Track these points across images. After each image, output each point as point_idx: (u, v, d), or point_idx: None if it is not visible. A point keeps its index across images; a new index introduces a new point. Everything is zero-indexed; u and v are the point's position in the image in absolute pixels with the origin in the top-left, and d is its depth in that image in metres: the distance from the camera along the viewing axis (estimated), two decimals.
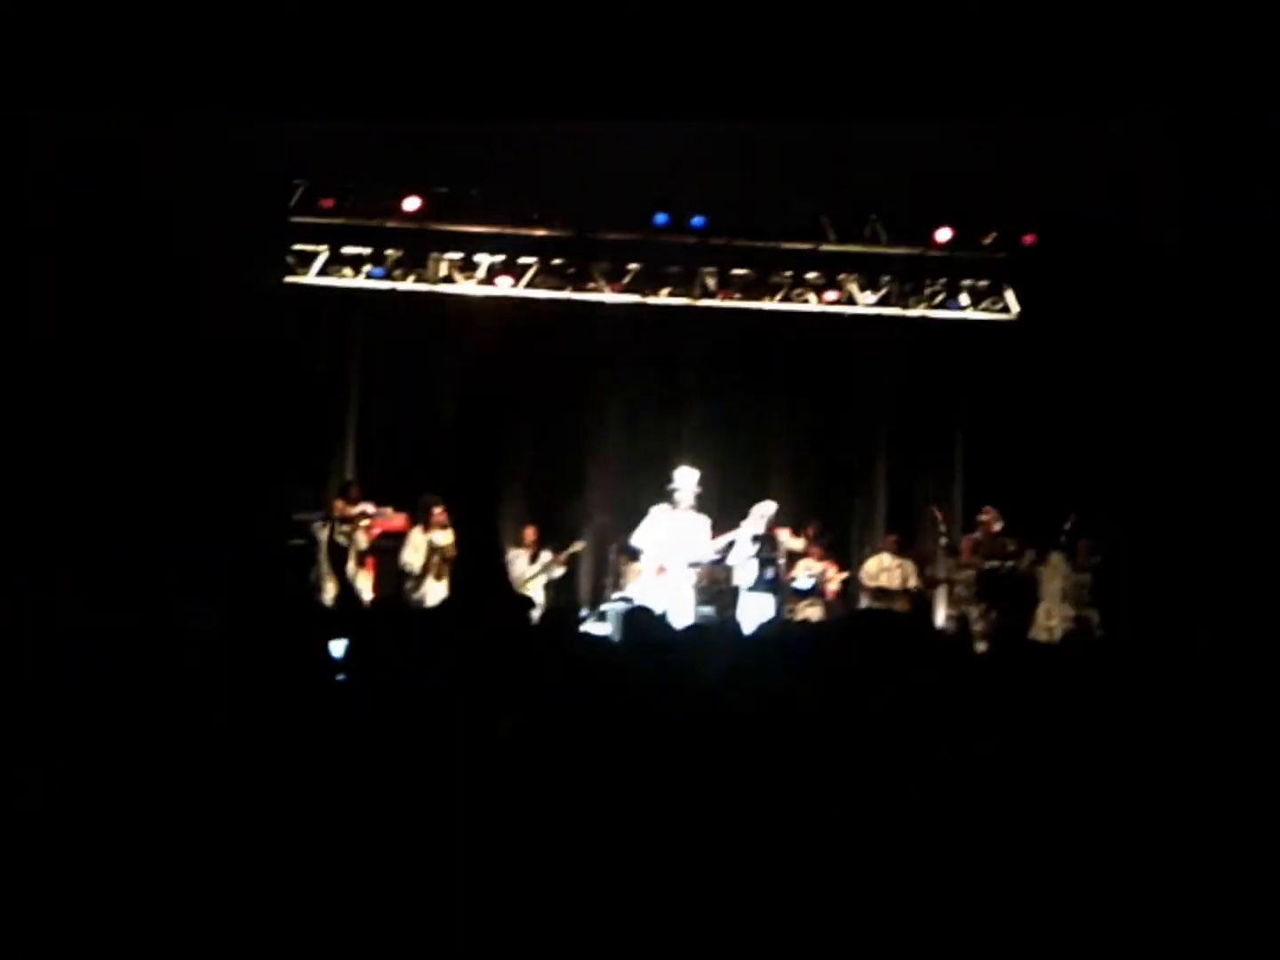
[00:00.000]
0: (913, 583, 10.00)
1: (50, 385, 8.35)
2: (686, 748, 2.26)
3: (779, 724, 2.38)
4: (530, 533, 9.97)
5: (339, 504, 9.45)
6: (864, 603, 10.21)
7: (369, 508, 9.44)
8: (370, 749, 2.27)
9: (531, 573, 9.81)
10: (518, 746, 2.40)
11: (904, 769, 2.19)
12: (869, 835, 2.03)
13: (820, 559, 9.66)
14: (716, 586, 8.67)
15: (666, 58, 8.28)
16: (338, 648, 3.15)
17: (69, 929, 1.83)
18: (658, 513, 8.10)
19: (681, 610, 7.77)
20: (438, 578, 9.51)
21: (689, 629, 4.44)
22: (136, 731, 2.32)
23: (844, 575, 10.00)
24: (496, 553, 10.06)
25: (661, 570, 7.83)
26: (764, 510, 8.14)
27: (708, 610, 8.48)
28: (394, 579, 9.69)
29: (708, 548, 8.12)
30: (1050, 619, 9.29)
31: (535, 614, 5.85)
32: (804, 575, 8.97)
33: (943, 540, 10.12)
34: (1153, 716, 2.67)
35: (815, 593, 9.43)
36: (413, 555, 9.56)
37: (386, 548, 9.67)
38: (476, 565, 9.65)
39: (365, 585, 9.44)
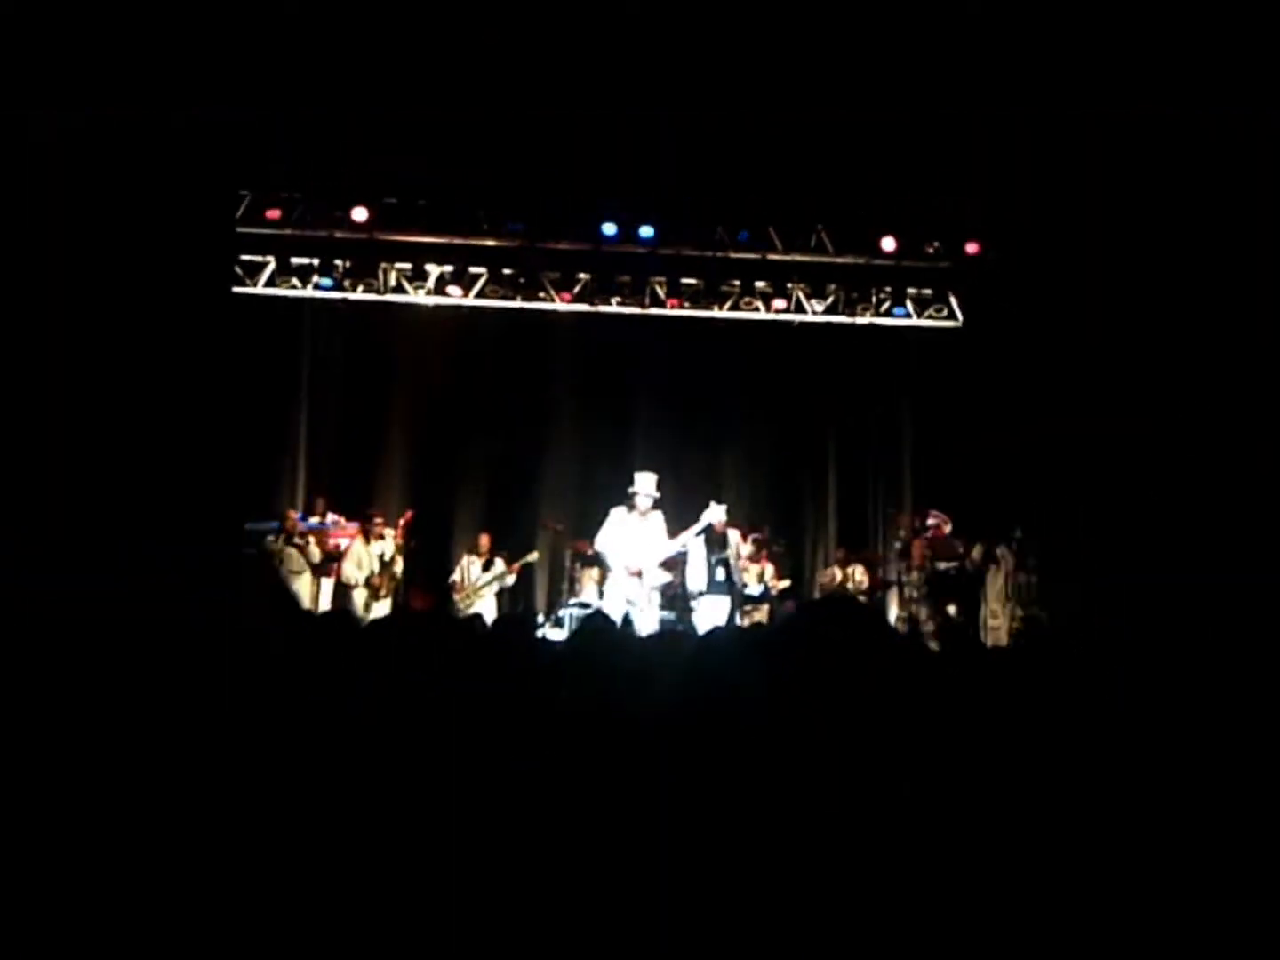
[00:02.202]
0: (864, 585, 10.12)
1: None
2: (640, 753, 2.29)
3: (734, 728, 2.42)
4: (484, 540, 9.98)
5: (291, 516, 9.41)
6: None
7: (339, 518, 9.44)
8: (331, 765, 2.29)
9: (484, 580, 9.82)
10: (470, 758, 2.42)
11: (866, 769, 2.22)
12: (834, 837, 2.05)
13: (762, 562, 9.76)
14: (672, 590, 8.72)
15: (620, 63, 8.39)
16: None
17: (66, 928, 1.85)
18: (616, 515, 8.15)
19: (643, 614, 7.83)
20: (377, 595, 9.47)
21: (643, 635, 4.48)
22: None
23: (784, 584, 10.10)
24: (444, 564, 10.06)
25: (636, 574, 7.87)
26: (714, 514, 8.21)
27: (668, 615, 8.54)
28: (343, 590, 9.69)
29: (666, 547, 8.18)
30: (996, 619, 9.44)
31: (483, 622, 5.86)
32: (753, 580, 9.05)
33: (896, 544, 10.27)
34: (1101, 712, 2.72)
35: (764, 598, 9.52)
36: (354, 569, 9.54)
37: (341, 558, 9.67)
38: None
39: (325, 596, 9.42)
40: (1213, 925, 1.93)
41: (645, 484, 8.07)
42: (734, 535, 8.76)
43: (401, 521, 9.67)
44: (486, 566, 9.88)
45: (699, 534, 8.17)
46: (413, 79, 8.58)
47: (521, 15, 8.15)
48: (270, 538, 9.32)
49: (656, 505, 8.18)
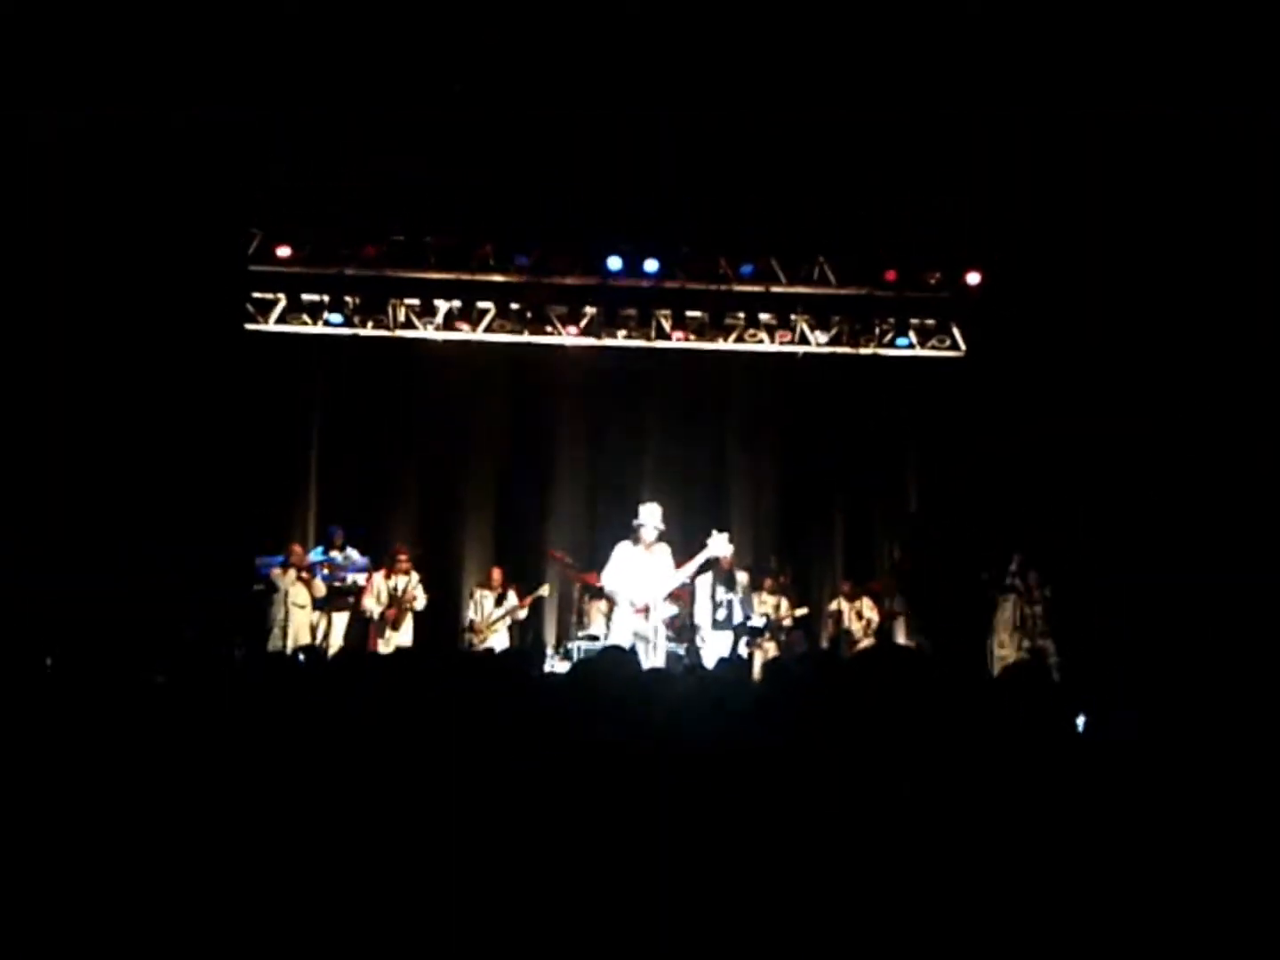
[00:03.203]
0: (873, 618, 10.15)
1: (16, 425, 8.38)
2: (644, 786, 2.33)
3: (736, 763, 2.46)
4: (496, 574, 10.04)
5: (297, 550, 9.49)
6: (825, 639, 10.37)
7: (353, 553, 9.52)
8: (335, 793, 2.35)
9: (498, 615, 9.87)
10: (480, 788, 2.47)
11: (867, 805, 2.24)
12: (834, 866, 2.08)
13: (774, 594, 9.80)
14: (679, 622, 8.75)
15: (624, 97, 8.53)
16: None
17: (62, 927, 1.90)
18: (621, 550, 8.18)
19: (651, 648, 7.86)
20: (395, 627, 9.55)
21: (648, 669, 4.51)
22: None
23: (800, 612, 10.14)
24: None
25: (642, 610, 7.89)
26: (718, 543, 8.25)
27: (676, 648, 8.57)
28: (359, 625, 9.75)
29: (672, 580, 8.21)
30: (1004, 648, 9.45)
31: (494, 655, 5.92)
32: (757, 614, 9.09)
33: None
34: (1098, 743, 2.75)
35: (769, 630, 9.55)
36: (373, 602, 9.61)
37: (349, 592, 9.73)
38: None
39: (337, 631, 9.48)
40: (1215, 925, 1.98)
41: (650, 516, 8.10)
42: (742, 576, 8.79)
43: (404, 555, 9.73)
44: (499, 600, 9.94)
45: (704, 566, 8.20)
46: (421, 116, 8.74)
47: (526, 52, 8.31)
48: (276, 570, 9.39)
49: (662, 537, 8.21)
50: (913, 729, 2.47)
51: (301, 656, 5.13)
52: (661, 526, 8.11)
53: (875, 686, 2.54)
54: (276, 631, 9.11)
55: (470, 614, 9.92)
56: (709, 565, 8.23)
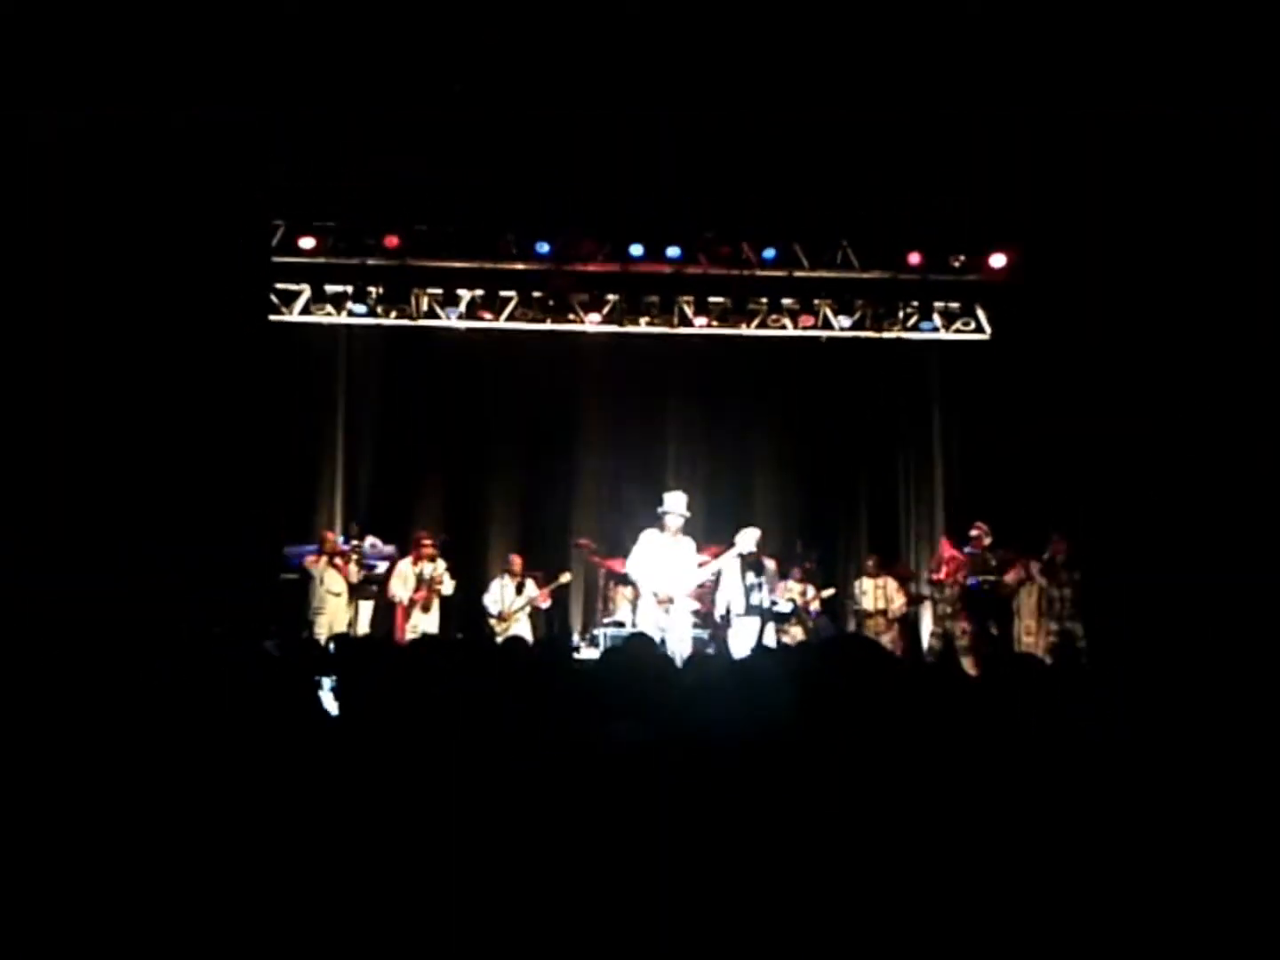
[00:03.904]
0: (896, 603, 10.12)
1: (39, 416, 8.44)
2: (674, 773, 2.34)
3: (762, 749, 2.47)
4: (516, 561, 10.08)
5: (329, 537, 9.56)
6: (851, 623, 10.36)
7: (376, 541, 9.59)
8: (359, 783, 2.37)
9: (519, 603, 9.91)
10: (508, 776, 2.48)
11: (887, 793, 2.24)
12: (857, 859, 2.08)
13: (800, 580, 9.78)
14: (704, 611, 8.77)
15: (646, 84, 8.51)
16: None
17: (63, 920, 1.93)
18: (647, 538, 8.20)
19: (679, 635, 7.89)
20: (425, 609, 9.63)
21: (675, 656, 4.52)
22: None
23: (826, 594, 10.13)
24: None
25: (665, 601, 7.92)
26: (747, 538, 8.25)
27: (702, 635, 8.58)
28: (384, 611, 9.83)
29: (697, 575, 8.22)
30: (1030, 634, 9.41)
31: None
32: (784, 599, 9.09)
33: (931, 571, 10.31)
34: (1147, 732, 2.74)
35: (796, 615, 9.55)
36: (400, 587, 9.68)
37: (380, 579, 9.81)
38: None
39: (364, 617, 9.57)
40: (1217, 924, 1.97)
41: (675, 503, 8.11)
42: (769, 562, 8.78)
43: (436, 543, 9.81)
44: (520, 588, 9.98)
45: (739, 561, 8.22)
46: (442, 107, 8.74)
47: (547, 41, 8.29)
48: (310, 559, 9.46)
49: (687, 525, 8.22)
50: (898, 721, 2.47)
51: (333, 645, 5.18)
52: (687, 514, 8.12)
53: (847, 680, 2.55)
54: (318, 620, 9.20)
55: (492, 602, 9.96)
56: (745, 564, 8.24)
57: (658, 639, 7.37)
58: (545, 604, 10.04)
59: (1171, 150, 8.62)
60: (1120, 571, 9.26)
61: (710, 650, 8.20)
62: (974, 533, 9.79)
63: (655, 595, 7.93)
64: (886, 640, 9.53)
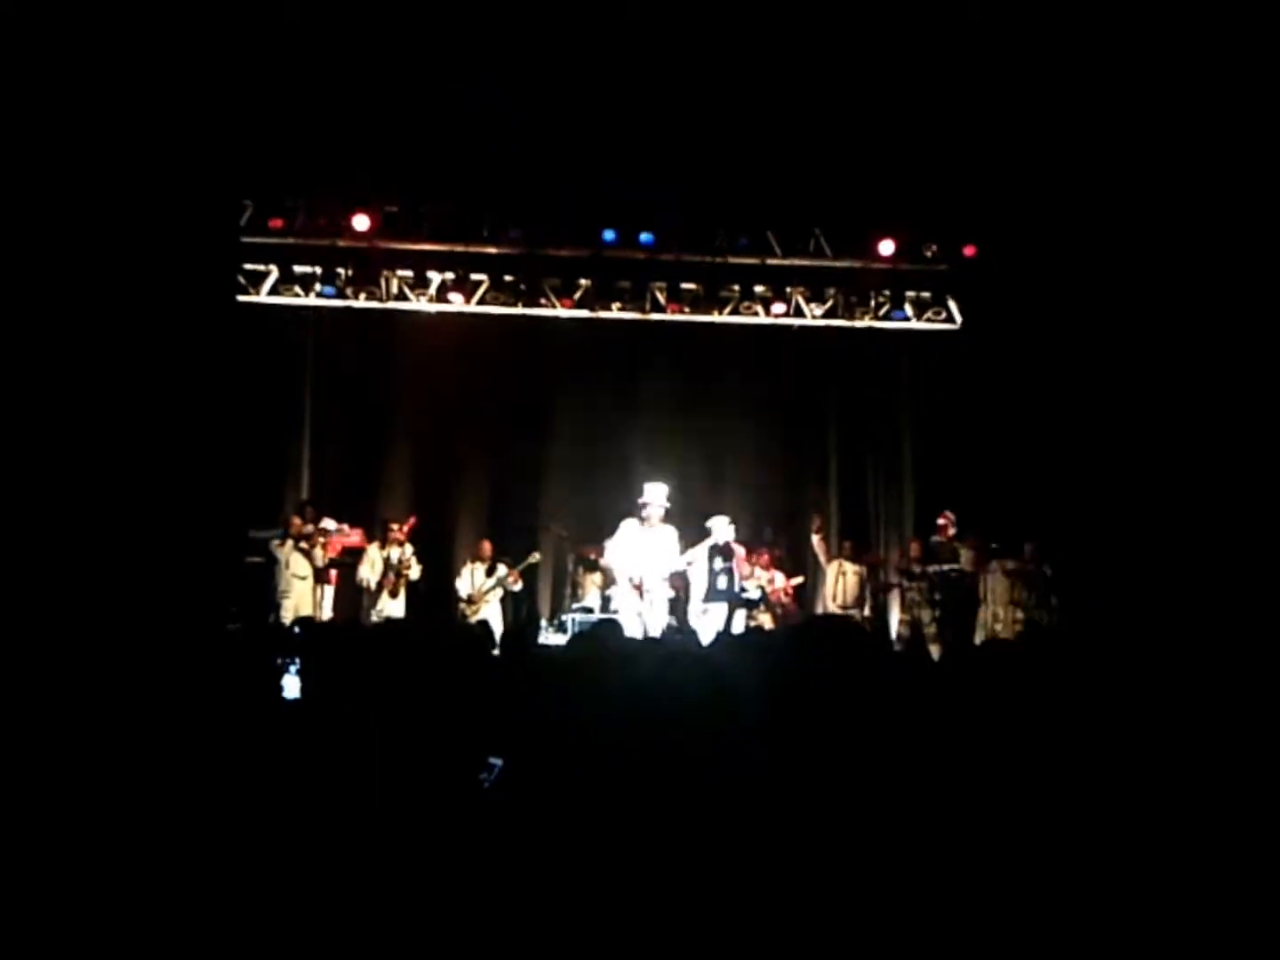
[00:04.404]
0: (851, 595, 10.14)
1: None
2: (641, 757, 2.33)
3: (730, 735, 2.45)
4: (486, 546, 10.03)
5: (296, 521, 9.48)
6: (820, 610, 10.39)
7: (330, 524, 9.49)
8: (322, 767, 2.34)
9: (488, 586, 9.87)
10: (473, 763, 2.45)
11: (858, 777, 2.23)
12: (828, 844, 2.07)
13: (768, 568, 9.80)
14: (674, 596, 8.78)
15: (618, 70, 8.45)
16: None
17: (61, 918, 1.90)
18: (626, 527, 8.20)
19: (653, 622, 7.90)
20: (393, 594, 9.58)
21: (644, 640, 4.51)
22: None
23: (795, 581, 10.15)
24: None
25: (639, 588, 7.93)
26: (719, 524, 8.27)
27: (670, 620, 8.60)
28: (352, 595, 9.76)
29: (678, 560, 8.24)
30: (999, 621, 9.48)
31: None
32: (752, 585, 9.10)
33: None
34: (1111, 713, 2.75)
35: (764, 602, 9.56)
36: (369, 571, 9.63)
37: (346, 564, 9.74)
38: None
39: (327, 601, 9.50)
40: (1208, 921, 1.97)
41: (656, 495, 8.12)
42: (738, 548, 8.80)
43: (405, 527, 9.75)
44: (489, 572, 9.94)
45: (710, 549, 8.24)
46: (413, 85, 8.66)
47: (520, 24, 8.22)
48: (275, 542, 9.38)
49: (667, 516, 8.23)
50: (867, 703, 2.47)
51: (297, 629, 5.12)
52: (667, 505, 8.12)
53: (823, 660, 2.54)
54: (284, 603, 9.14)
55: (463, 586, 9.93)
56: (713, 551, 8.26)
57: (634, 625, 7.38)
58: (517, 585, 10.01)
59: (1144, 144, 8.67)
60: (1089, 562, 9.35)
61: (679, 636, 8.21)
62: (940, 521, 9.84)
63: (631, 580, 7.94)
64: None
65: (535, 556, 10.12)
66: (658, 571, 7.99)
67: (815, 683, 2.56)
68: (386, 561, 9.59)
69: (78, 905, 1.93)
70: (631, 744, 2.39)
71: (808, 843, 2.05)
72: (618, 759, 2.32)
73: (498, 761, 2.46)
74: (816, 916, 1.96)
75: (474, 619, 9.44)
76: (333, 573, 9.58)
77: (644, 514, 8.08)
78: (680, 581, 8.67)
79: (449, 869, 2.06)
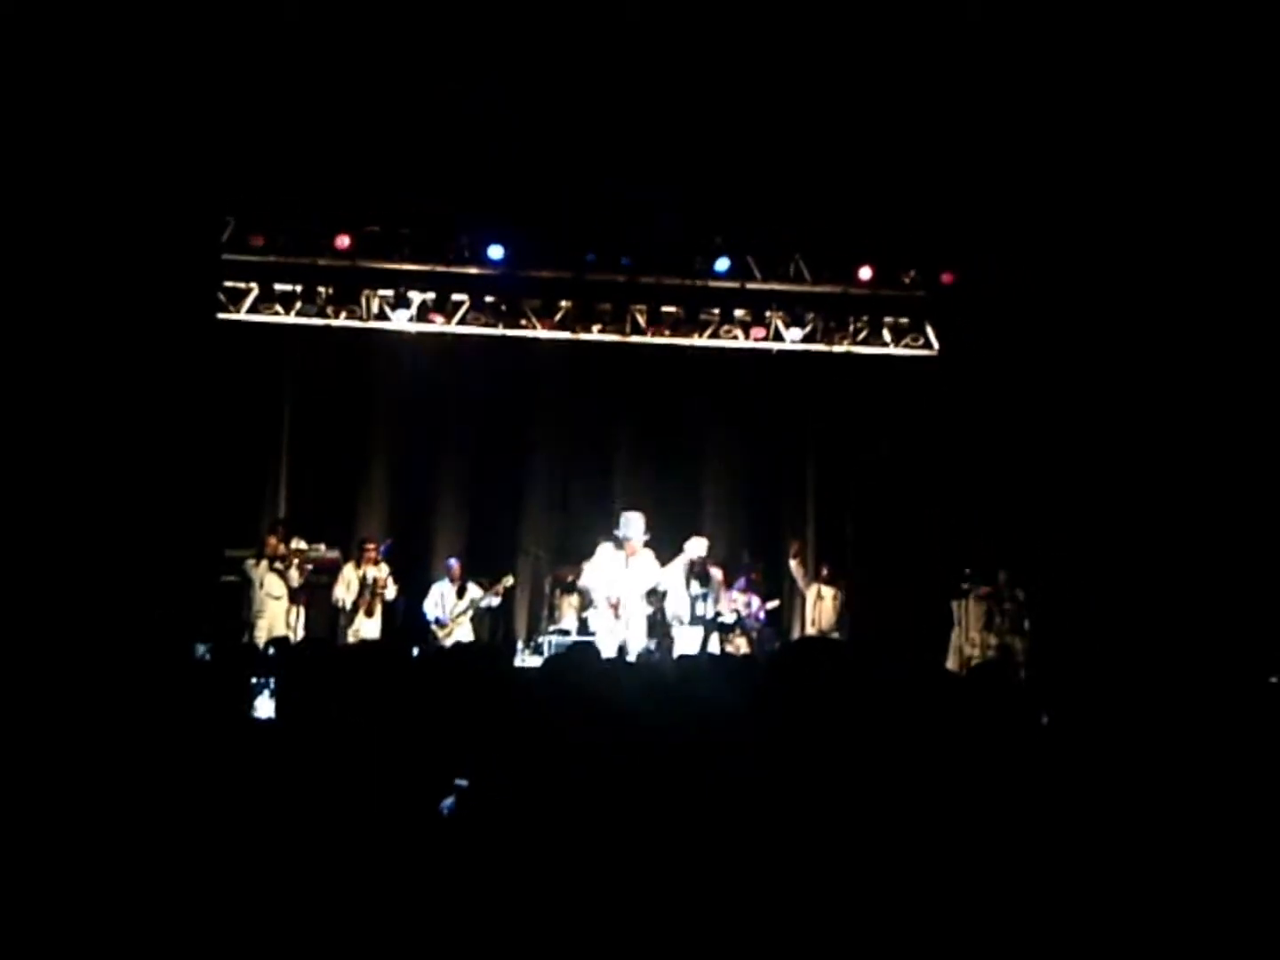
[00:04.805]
0: (828, 620, 10.15)
1: None
2: (612, 775, 2.33)
3: (705, 751, 2.46)
4: (456, 567, 9.98)
5: (271, 540, 9.43)
6: (797, 626, 10.41)
7: (302, 544, 9.44)
8: (296, 787, 2.33)
9: (461, 608, 9.82)
10: (447, 782, 2.45)
11: (839, 788, 2.24)
12: (807, 853, 2.07)
13: (745, 591, 9.81)
14: (652, 619, 8.78)
15: (602, 93, 8.51)
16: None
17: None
18: (603, 552, 8.22)
19: (631, 644, 7.90)
20: (369, 614, 9.53)
21: (616, 661, 4.50)
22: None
23: (771, 605, 10.16)
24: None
25: (615, 607, 7.93)
26: (696, 547, 8.29)
27: (648, 643, 8.58)
28: (327, 615, 9.70)
29: (651, 582, 8.27)
30: (973, 646, 9.51)
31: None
32: (728, 610, 9.11)
33: None
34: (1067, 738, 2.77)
35: (740, 625, 9.57)
36: (344, 591, 9.57)
37: (318, 584, 9.68)
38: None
39: (299, 622, 9.44)
40: (1205, 923, 1.99)
41: (634, 529, 8.14)
42: (716, 572, 8.82)
43: (381, 547, 9.71)
44: (460, 593, 9.90)
45: (685, 573, 8.26)
46: (394, 103, 8.68)
47: (501, 44, 8.26)
48: (250, 562, 9.32)
49: (646, 543, 8.25)
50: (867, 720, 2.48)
51: (272, 650, 5.10)
52: (646, 535, 8.15)
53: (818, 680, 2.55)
54: (258, 623, 9.07)
55: (431, 608, 9.87)
56: (691, 573, 8.28)
57: (611, 647, 7.37)
58: (496, 600, 9.94)
59: (1122, 172, 8.79)
60: (1062, 588, 9.41)
61: (655, 657, 8.20)
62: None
63: (608, 600, 7.95)
64: None
65: (508, 579, 10.09)
66: (635, 593, 8.00)
67: (801, 704, 2.57)
68: (362, 581, 9.55)
69: (49, 923, 1.91)
70: (606, 764, 2.39)
71: (788, 860, 2.05)
72: (591, 779, 2.32)
73: (463, 782, 2.46)
74: (796, 937, 1.96)
75: (446, 639, 9.40)
76: (301, 596, 9.49)
77: (621, 542, 8.11)
78: (657, 603, 8.68)
79: (422, 889, 2.05)
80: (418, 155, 9.19)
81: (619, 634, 7.85)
